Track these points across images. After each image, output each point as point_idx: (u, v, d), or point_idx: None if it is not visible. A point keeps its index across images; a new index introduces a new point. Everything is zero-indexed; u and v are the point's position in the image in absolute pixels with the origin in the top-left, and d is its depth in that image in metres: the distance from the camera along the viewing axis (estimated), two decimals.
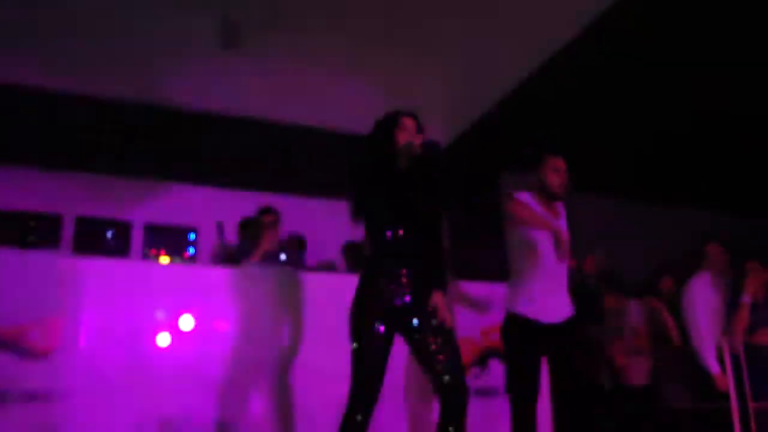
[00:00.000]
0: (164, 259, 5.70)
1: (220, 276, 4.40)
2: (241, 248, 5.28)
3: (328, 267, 6.37)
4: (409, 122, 3.23)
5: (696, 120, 8.16)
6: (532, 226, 3.74)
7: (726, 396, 4.46)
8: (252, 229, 5.35)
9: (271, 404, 4.22)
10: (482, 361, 4.85)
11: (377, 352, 2.98)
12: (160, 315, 4.09)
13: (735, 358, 4.53)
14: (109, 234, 4.87)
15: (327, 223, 5.68)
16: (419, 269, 3.07)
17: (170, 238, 6.47)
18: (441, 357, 2.95)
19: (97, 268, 4.13)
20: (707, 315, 4.71)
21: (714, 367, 4.53)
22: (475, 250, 7.41)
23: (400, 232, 3.07)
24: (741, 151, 8.97)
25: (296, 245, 6.14)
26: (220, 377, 4.15)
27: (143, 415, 3.94)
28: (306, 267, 5.89)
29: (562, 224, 3.90)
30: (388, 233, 3.08)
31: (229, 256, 5.22)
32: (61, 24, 6.66)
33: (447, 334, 3.00)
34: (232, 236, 5.68)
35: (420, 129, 3.24)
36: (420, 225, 3.11)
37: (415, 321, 3.01)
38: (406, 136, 3.17)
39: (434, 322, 2.99)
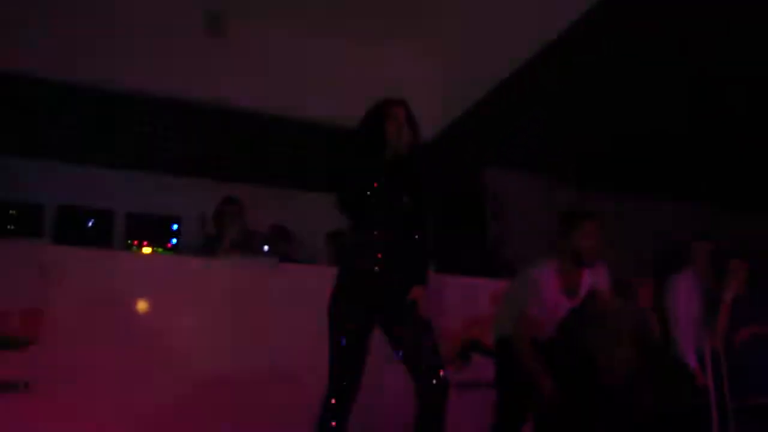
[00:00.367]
0: (146, 250, 5.66)
1: (202, 266, 4.37)
2: (208, 242, 5.27)
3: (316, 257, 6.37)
4: (398, 110, 3.19)
5: (678, 115, 8.19)
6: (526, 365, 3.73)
7: (704, 395, 4.49)
8: (219, 219, 5.32)
9: (254, 396, 4.20)
10: (464, 353, 4.86)
11: (356, 346, 2.96)
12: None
13: (715, 357, 4.56)
14: (90, 223, 4.82)
15: (317, 215, 5.64)
16: (401, 263, 3.04)
17: (153, 228, 6.42)
18: (419, 351, 2.94)
19: (79, 257, 4.09)
20: (688, 312, 4.72)
21: (693, 363, 4.55)
22: (458, 244, 7.41)
23: (385, 224, 3.05)
24: (718, 143, 9.00)
25: (280, 236, 6.11)
26: (201, 369, 4.13)
27: (122, 407, 3.91)
28: (292, 259, 5.86)
29: (583, 290, 3.91)
30: (372, 225, 3.05)
31: (203, 248, 5.20)
32: (45, 11, 6.61)
33: (426, 327, 2.99)
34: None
35: (410, 117, 3.21)
36: (405, 218, 3.08)
37: (393, 314, 3.00)
38: (395, 125, 3.14)
39: (413, 315, 2.97)
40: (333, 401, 2.90)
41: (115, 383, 3.95)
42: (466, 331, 4.84)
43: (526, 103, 7.75)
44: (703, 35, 6.42)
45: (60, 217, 4.73)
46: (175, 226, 6.67)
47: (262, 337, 4.24)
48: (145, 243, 6.01)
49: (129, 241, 5.64)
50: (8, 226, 4.96)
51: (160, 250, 5.52)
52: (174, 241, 6.34)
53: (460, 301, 4.92)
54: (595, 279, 3.96)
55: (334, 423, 2.89)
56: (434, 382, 2.88)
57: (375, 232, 3.04)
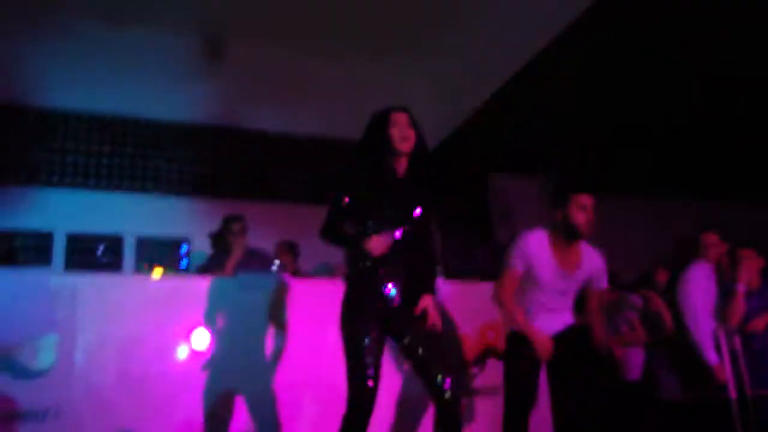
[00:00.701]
0: (157, 272, 5.67)
1: (215, 286, 4.37)
2: (212, 261, 5.28)
3: (330, 271, 6.36)
4: (400, 117, 3.17)
5: (682, 113, 8.19)
6: (508, 315, 3.73)
7: (722, 386, 4.45)
8: (222, 238, 5.33)
9: (268, 414, 4.19)
10: (481, 359, 4.84)
11: (369, 358, 2.94)
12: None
13: (732, 348, 4.53)
14: (100, 249, 4.85)
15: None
16: (408, 273, 3.05)
17: (163, 251, 6.45)
18: (431, 361, 2.93)
19: (90, 284, 4.10)
20: (704, 306, 4.68)
21: (713, 359, 4.49)
22: (464, 250, 7.42)
23: (393, 235, 3.03)
24: (728, 141, 9.00)
25: (289, 252, 6.12)
26: (217, 389, 4.13)
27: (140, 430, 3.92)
28: (301, 273, 5.87)
29: (582, 269, 3.81)
30: (371, 233, 3.03)
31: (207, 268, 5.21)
32: (51, 42, 6.69)
33: (436, 338, 3.00)
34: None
35: (413, 123, 3.19)
36: (411, 228, 3.08)
37: (404, 325, 2.99)
38: (398, 131, 3.11)
39: (424, 325, 2.98)
40: (353, 415, 2.90)
41: (132, 407, 3.94)
42: (480, 337, 4.83)
43: (528, 107, 7.77)
44: (698, 34, 6.43)
45: (70, 244, 4.75)
46: (185, 247, 6.70)
47: (277, 353, 4.24)
48: (155, 266, 6.03)
49: (140, 265, 5.67)
50: (18, 255, 4.99)
51: (171, 271, 5.54)
52: (184, 262, 6.37)
53: (473, 306, 4.90)
54: (593, 261, 3.87)
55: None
56: (446, 395, 2.87)
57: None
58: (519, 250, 3.73)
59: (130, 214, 6.95)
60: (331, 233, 3.12)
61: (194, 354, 4.16)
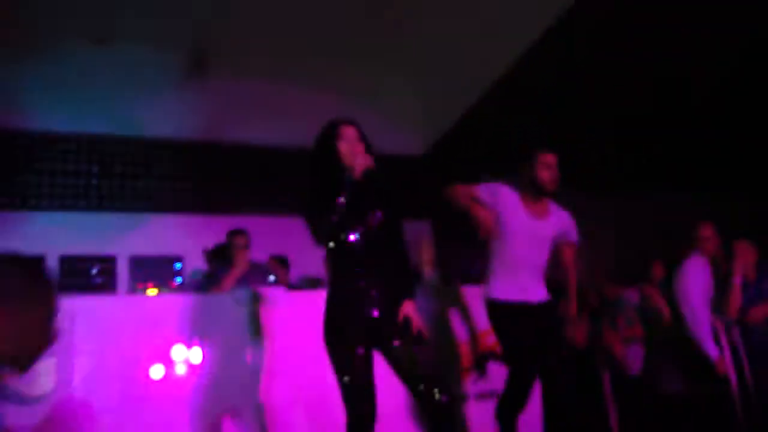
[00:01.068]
0: (152, 291, 5.65)
1: (210, 303, 4.36)
2: (213, 272, 5.26)
3: (313, 283, 6.34)
4: (349, 131, 3.13)
5: (671, 106, 8.22)
6: (457, 204, 3.90)
7: (723, 379, 4.46)
8: (225, 252, 5.31)
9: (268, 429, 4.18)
10: (479, 364, 4.83)
11: (358, 371, 2.88)
12: None
13: (731, 339, 4.54)
14: (94, 270, 4.83)
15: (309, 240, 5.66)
16: (385, 281, 2.99)
17: (156, 269, 6.42)
18: (419, 369, 2.88)
19: (86, 306, 4.08)
20: (702, 299, 4.70)
21: (713, 352, 4.51)
22: (459, 255, 7.42)
23: (360, 244, 2.99)
24: (722, 135, 9.03)
25: (281, 265, 6.11)
26: (214, 407, 4.11)
27: None
28: (293, 285, 5.86)
29: (551, 221, 3.91)
30: (347, 247, 2.99)
31: (208, 282, 5.19)
32: (35, 63, 6.68)
33: (422, 344, 2.93)
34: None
35: (362, 136, 3.15)
36: (378, 235, 3.03)
37: (388, 334, 2.93)
38: (347, 145, 3.07)
39: (408, 333, 2.91)
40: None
41: (138, 426, 3.92)
42: (480, 341, 4.82)
43: (515, 108, 7.79)
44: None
45: (63, 266, 4.73)
46: (179, 265, 6.67)
47: (278, 367, 4.22)
48: (149, 284, 6.00)
49: (134, 285, 5.65)
50: None
51: (166, 290, 5.52)
52: (179, 279, 6.34)
53: (471, 310, 4.89)
54: (561, 216, 4.01)
55: None
56: (434, 403, 2.82)
57: (352, 256, 2.99)
58: (488, 187, 3.89)
59: (122, 233, 6.93)
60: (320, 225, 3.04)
61: (192, 372, 4.14)
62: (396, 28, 7.16)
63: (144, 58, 7.19)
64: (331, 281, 3.12)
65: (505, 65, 7.14)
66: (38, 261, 1.92)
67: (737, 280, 4.63)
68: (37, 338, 1.82)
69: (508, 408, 3.71)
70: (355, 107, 7.57)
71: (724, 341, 4.52)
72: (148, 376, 4.07)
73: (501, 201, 3.85)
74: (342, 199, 2.92)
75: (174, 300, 4.67)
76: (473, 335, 4.70)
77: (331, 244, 3.03)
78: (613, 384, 5.37)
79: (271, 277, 5.54)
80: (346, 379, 2.88)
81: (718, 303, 4.71)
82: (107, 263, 5.03)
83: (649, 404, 5.26)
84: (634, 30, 6.51)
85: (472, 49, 7.18)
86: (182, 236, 6.95)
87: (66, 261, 4.72)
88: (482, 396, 4.66)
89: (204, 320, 4.29)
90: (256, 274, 5.17)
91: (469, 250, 6.56)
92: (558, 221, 3.96)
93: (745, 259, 4.74)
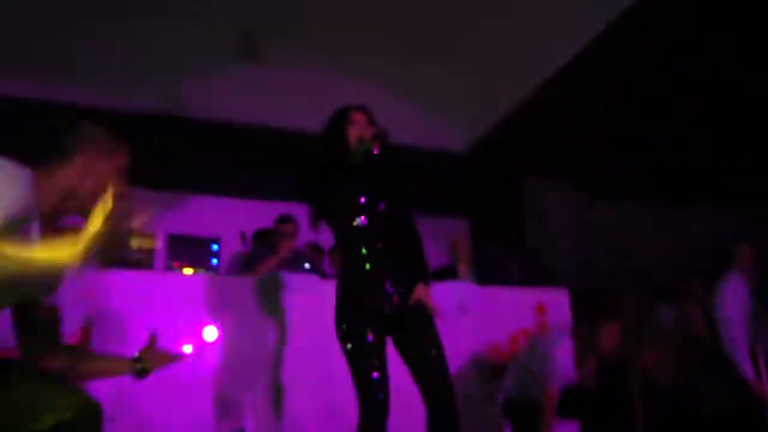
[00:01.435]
0: (188, 271, 5.69)
1: (245, 285, 4.38)
2: (253, 255, 5.26)
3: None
4: (358, 116, 3.07)
5: (716, 120, 8.08)
6: None
7: (758, 399, 4.38)
8: (270, 237, 5.31)
9: (297, 413, 4.19)
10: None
11: (374, 366, 2.79)
12: None
13: None
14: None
15: None
16: (396, 267, 2.93)
17: (193, 249, 6.46)
18: (428, 358, 2.85)
19: (122, 281, 4.13)
20: (740, 318, 4.60)
21: (750, 373, 4.42)
22: (496, 255, 7.38)
23: (369, 230, 2.92)
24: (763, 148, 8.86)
25: (317, 253, 6.12)
26: (236, 386, 4.13)
27: (175, 425, 3.93)
28: (326, 274, 5.86)
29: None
30: (356, 234, 2.93)
31: (246, 264, 5.20)
32: (85, 40, 6.75)
33: (433, 335, 2.89)
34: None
35: (372, 121, 3.08)
36: (388, 220, 2.96)
37: (400, 320, 2.88)
38: (357, 130, 3.02)
39: (418, 317, 2.88)
40: (367, 424, 2.77)
41: (164, 405, 3.96)
42: (511, 343, 4.78)
43: (562, 111, 7.71)
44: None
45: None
46: (215, 247, 6.71)
47: (309, 354, 4.22)
48: (185, 264, 6.04)
49: (170, 263, 5.69)
50: None
51: (201, 270, 5.55)
52: (215, 261, 6.37)
53: (503, 312, 4.86)
54: None
55: None
56: (442, 406, 2.79)
57: (362, 242, 2.93)
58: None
59: (161, 211, 6.99)
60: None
61: (219, 351, 4.17)
62: (446, 24, 7.12)
63: (195, 39, 7.24)
64: (340, 269, 3.09)
65: (554, 67, 7.06)
66: None
67: None
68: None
69: None
70: (400, 100, 7.61)
71: (762, 363, 4.43)
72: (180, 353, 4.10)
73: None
74: (360, 185, 2.92)
75: (208, 280, 4.71)
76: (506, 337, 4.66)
77: (340, 231, 2.99)
78: (644, 398, 5.28)
79: (306, 265, 5.55)
80: (358, 371, 2.81)
81: (759, 324, 4.62)
82: (146, 239, 5.08)
83: (681, 420, 5.18)
84: (696, 31, 6.38)
85: (522, 49, 7.12)
86: (221, 218, 6.99)
87: None
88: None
89: (235, 302, 4.32)
90: (295, 261, 5.17)
91: (505, 250, 6.57)
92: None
93: None
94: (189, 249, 6.44)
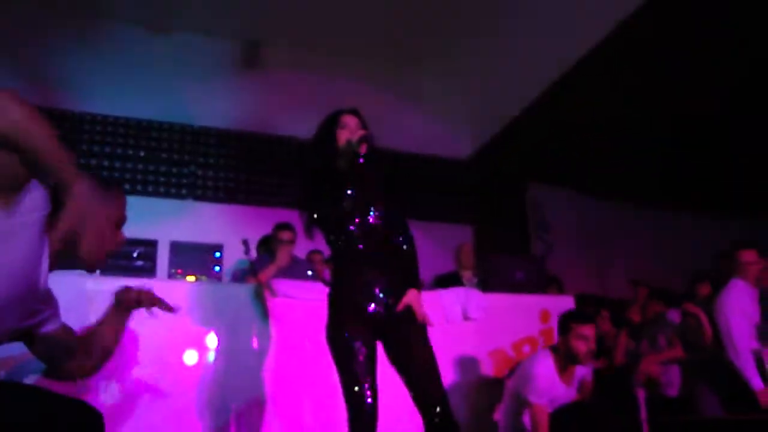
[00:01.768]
0: (191, 278, 5.68)
1: (247, 293, 4.36)
2: (256, 263, 5.26)
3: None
4: (350, 120, 3.04)
5: (726, 127, 8.05)
6: None
7: (763, 408, 4.31)
8: (269, 245, 5.31)
9: (301, 420, 4.16)
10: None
11: (363, 371, 2.75)
12: None
13: None
14: (135, 253, 4.85)
15: None
16: (389, 273, 2.89)
17: (196, 257, 6.45)
18: (418, 378, 2.78)
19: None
20: (744, 326, 4.54)
21: (756, 383, 4.34)
22: (500, 262, 7.36)
23: (360, 236, 2.89)
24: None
25: (323, 261, 6.10)
26: (248, 396, 4.11)
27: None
28: (328, 282, 5.83)
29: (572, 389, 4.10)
30: (347, 239, 2.89)
31: (249, 272, 5.20)
32: (89, 46, 6.79)
33: (423, 337, 2.85)
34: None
35: (364, 125, 3.04)
36: (380, 225, 2.93)
37: (389, 326, 2.83)
38: (348, 134, 2.96)
39: (407, 323, 2.83)
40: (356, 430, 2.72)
41: (168, 410, 3.94)
42: (516, 351, 4.75)
43: (567, 117, 7.69)
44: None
45: None
46: (218, 254, 6.69)
47: (308, 362, 4.20)
48: (189, 272, 6.03)
49: (173, 270, 5.68)
50: None
51: (204, 278, 5.53)
52: (217, 268, 6.35)
53: (507, 319, 4.83)
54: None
55: None
56: (436, 419, 2.71)
57: (355, 246, 2.89)
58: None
59: (164, 219, 6.99)
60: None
61: (227, 359, 4.15)
62: (450, 33, 7.14)
63: (197, 48, 7.29)
64: (332, 275, 3.04)
65: (557, 74, 7.04)
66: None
67: None
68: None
69: None
70: (405, 108, 7.61)
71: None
72: (179, 360, 4.08)
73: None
74: (349, 190, 2.85)
75: (211, 288, 4.69)
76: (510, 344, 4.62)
77: (332, 237, 2.94)
78: (649, 404, 5.25)
79: (309, 272, 5.53)
80: (347, 375, 2.77)
81: (765, 331, 4.57)
82: (149, 247, 5.06)
83: (686, 427, 5.14)
84: (699, 38, 6.36)
85: (525, 57, 7.12)
86: (223, 225, 6.98)
87: None
88: None
89: (235, 310, 4.30)
90: (297, 269, 5.15)
91: (510, 257, 6.53)
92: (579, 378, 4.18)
93: None
94: (192, 256, 6.42)
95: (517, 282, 5.15)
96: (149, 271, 4.89)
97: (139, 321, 3.97)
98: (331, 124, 3.06)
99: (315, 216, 2.94)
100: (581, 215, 9.72)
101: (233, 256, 5.87)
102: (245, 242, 5.66)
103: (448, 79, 8.19)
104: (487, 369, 4.67)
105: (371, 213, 2.93)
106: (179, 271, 5.71)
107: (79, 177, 1.80)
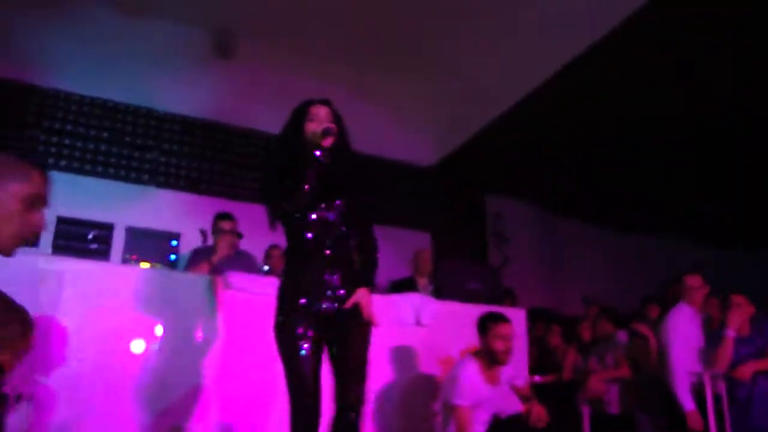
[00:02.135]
0: (145, 265, 5.61)
1: (201, 283, 4.33)
2: (195, 255, 5.24)
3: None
4: (320, 110, 2.95)
5: (684, 153, 8.21)
6: None
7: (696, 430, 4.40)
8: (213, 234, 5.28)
9: (244, 412, 4.14)
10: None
11: (307, 369, 2.73)
12: None
13: (716, 392, 4.49)
14: (90, 235, 4.78)
15: None
16: (339, 269, 2.84)
17: (153, 243, 6.37)
18: (350, 368, 2.76)
19: (77, 270, 4.06)
20: (684, 349, 4.63)
21: (688, 404, 4.43)
22: (457, 271, 7.42)
23: (315, 231, 2.84)
24: (729, 187, 9.03)
25: (277, 255, 6.07)
26: (192, 384, 4.08)
27: (115, 421, 3.86)
28: None
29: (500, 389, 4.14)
30: (304, 232, 2.84)
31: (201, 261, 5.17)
32: (61, 24, 6.72)
33: (364, 339, 2.81)
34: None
35: (336, 117, 2.97)
36: (339, 221, 2.87)
37: (335, 323, 2.79)
38: (315, 126, 2.88)
39: (352, 321, 2.79)
40: (297, 425, 2.69)
41: (111, 396, 3.89)
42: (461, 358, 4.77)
43: (528, 134, 7.79)
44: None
45: (59, 228, 4.69)
46: (175, 242, 6.62)
47: (255, 353, 4.18)
48: (143, 258, 5.95)
49: (127, 256, 5.59)
50: None
51: (159, 265, 5.47)
52: (173, 257, 6.28)
53: (459, 328, 4.85)
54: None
55: None
56: (350, 418, 2.70)
57: (310, 240, 2.83)
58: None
59: (122, 203, 6.90)
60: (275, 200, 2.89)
61: (173, 348, 4.11)
62: (419, 41, 7.19)
63: (168, 34, 7.24)
64: (284, 268, 2.98)
65: (523, 92, 7.14)
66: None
67: (730, 334, 4.59)
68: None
69: None
70: (370, 111, 7.62)
71: (709, 394, 4.46)
72: (128, 346, 4.04)
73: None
74: (306, 185, 2.77)
75: (164, 276, 4.65)
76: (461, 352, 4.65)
77: (288, 230, 2.90)
78: (592, 420, 5.33)
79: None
80: (290, 371, 2.74)
81: (709, 355, 4.66)
82: (104, 230, 4.97)
83: None
84: (666, 57, 6.48)
85: (492, 72, 7.20)
86: (182, 214, 6.92)
87: (63, 222, 4.67)
88: None
89: (189, 300, 4.27)
90: (241, 261, 5.10)
91: (466, 266, 6.57)
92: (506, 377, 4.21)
93: (740, 314, 4.68)
94: (148, 243, 6.34)
95: (471, 292, 5.18)
96: (103, 254, 4.80)
97: (89, 307, 3.96)
98: (299, 115, 2.98)
99: (273, 208, 2.88)
100: (539, 230, 9.83)
101: (190, 246, 5.80)
102: (203, 231, 5.63)
103: (415, 85, 8.23)
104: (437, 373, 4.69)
105: (330, 210, 2.87)
106: (134, 256, 5.62)
107: None
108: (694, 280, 4.91)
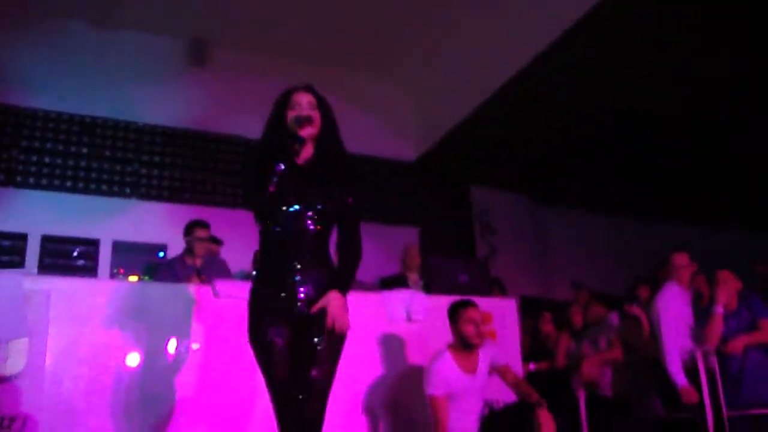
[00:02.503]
0: (133, 278, 5.59)
1: (190, 294, 4.32)
2: (170, 262, 5.22)
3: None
4: (302, 98, 2.77)
5: (671, 138, 8.26)
6: None
7: (699, 406, 4.44)
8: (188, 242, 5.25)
9: (244, 422, 4.14)
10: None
11: (278, 362, 2.61)
12: None
13: (709, 368, 4.53)
14: (75, 252, 4.75)
15: None
16: (313, 269, 2.67)
17: (139, 256, 6.36)
18: (300, 384, 2.55)
19: (64, 287, 4.04)
20: (675, 327, 4.68)
21: (681, 380, 4.49)
22: (444, 264, 7.43)
23: (289, 228, 2.66)
24: (717, 168, 9.09)
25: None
26: (188, 399, 4.07)
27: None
28: None
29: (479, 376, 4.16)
30: (274, 231, 2.67)
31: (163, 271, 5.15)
32: (33, 41, 6.69)
33: (332, 348, 2.61)
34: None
35: (319, 105, 2.79)
36: (312, 219, 2.67)
37: (304, 326, 2.62)
38: (296, 113, 2.71)
39: (319, 329, 2.57)
40: (283, 425, 2.56)
41: (106, 414, 3.88)
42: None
43: (510, 123, 7.81)
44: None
45: (44, 246, 4.66)
46: (162, 254, 6.60)
47: (246, 362, 4.18)
48: (131, 272, 5.94)
49: (115, 270, 5.58)
50: None
51: (146, 278, 5.45)
52: (161, 254, 6.27)
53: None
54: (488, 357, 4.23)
55: None
56: (301, 416, 2.53)
57: (282, 240, 2.66)
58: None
59: (107, 217, 6.88)
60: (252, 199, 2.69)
61: (167, 361, 4.11)
62: (396, 37, 7.19)
63: (143, 45, 7.21)
64: (258, 269, 2.82)
65: (502, 81, 7.15)
66: None
67: (719, 310, 4.62)
68: None
69: None
70: (351, 111, 7.62)
71: (701, 370, 4.50)
72: (121, 362, 4.03)
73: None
74: (280, 167, 2.59)
75: (153, 289, 4.62)
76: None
77: (261, 228, 2.72)
78: (588, 404, 5.35)
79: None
80: (267, 374, 2.62)
81: (699, 332, 4.70)
82: (90, 246, 4.95)
83: (624, 426, 5.26)
84: (641, 45, 6.52)
85: (471, 63, 7.21)
86: (167, 225, 6.89)
87: (48, 241, 4.65)
88: None
89: (181, 311, 4.25)
90: (216, 267, 5.09)
91: (454, 259, 6.60)
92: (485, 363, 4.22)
93: (727, 289, 4.72)
94: (135, 256, 6.33)
95: (460, 284, 5.19)
96: (90, 270, 4.77)
97: (80, 321, 3.94)
98: (280, 104, 2.80)
99: (249, 205, 2.72)
100: (526, 219, 9.86)
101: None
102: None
103: (394, 83, 8.24)
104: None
105: (308, 207, 2.68)
106: (121, 270, 5.61)
107: None
108: (681, 259, 4.96)
